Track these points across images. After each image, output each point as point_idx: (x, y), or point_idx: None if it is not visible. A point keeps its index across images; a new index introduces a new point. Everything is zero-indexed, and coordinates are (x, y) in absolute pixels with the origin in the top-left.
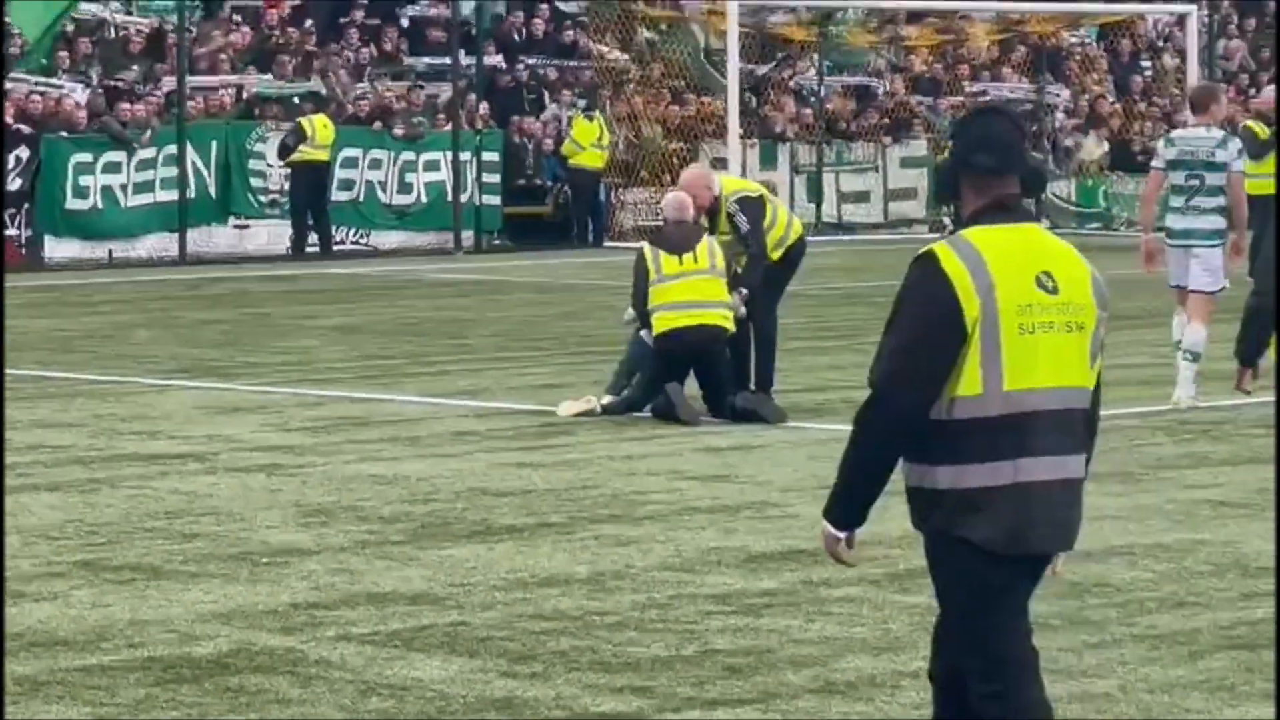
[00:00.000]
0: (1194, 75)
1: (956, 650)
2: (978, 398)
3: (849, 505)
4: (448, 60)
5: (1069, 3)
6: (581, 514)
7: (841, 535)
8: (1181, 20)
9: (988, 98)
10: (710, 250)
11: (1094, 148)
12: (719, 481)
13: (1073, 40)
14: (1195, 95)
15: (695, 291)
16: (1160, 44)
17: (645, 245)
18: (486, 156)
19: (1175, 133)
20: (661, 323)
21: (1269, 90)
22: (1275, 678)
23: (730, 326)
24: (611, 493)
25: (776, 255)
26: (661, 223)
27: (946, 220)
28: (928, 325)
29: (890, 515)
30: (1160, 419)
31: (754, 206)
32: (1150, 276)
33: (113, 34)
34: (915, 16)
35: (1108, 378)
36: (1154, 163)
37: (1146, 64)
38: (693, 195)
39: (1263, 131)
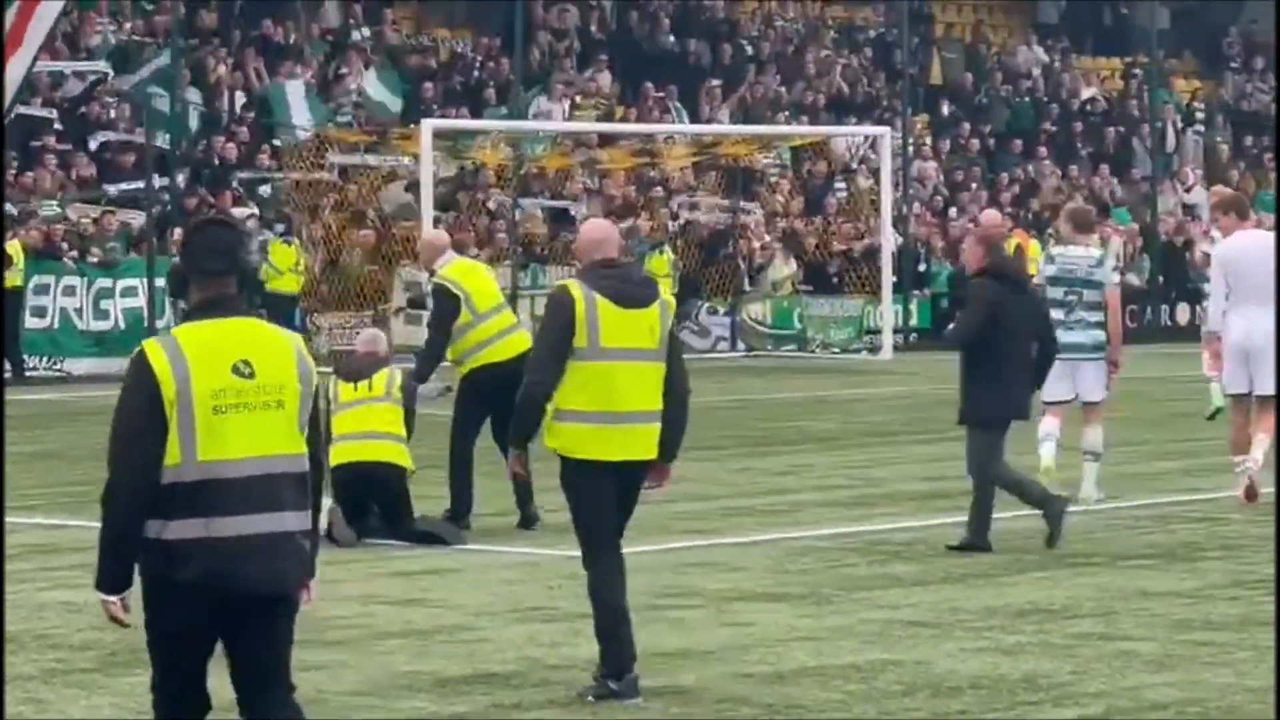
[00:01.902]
0: (888, 197)
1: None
2: (177, 466)
3: (114, 570)
4: (141, 185)
5: (762, 125)
6: None
7: (115, 599)
8: (875, 142)
9: (683, 220)
10: (389, 380)
11: (784, 267)
12: (411, 605)
13: (766, 162)
14: (1079, 215)
15: (368, 421)
16: (855, 166)
17: (330, 374)
18: None
19: (1054, 250)
20: (337, 455)
21: (989, 213)
22: (1275, 678)
23: (401, 460)
24: (300, 617)
25: (477, 362)
26: (352, 350)
27: None
28: (135, 408)
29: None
30: (854, 540)
31: (443, 302)
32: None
33: None
34: (610, 139)
35: (805, 499)
36: (1035, 280)
37: (841, 185)
38: (422, 263)
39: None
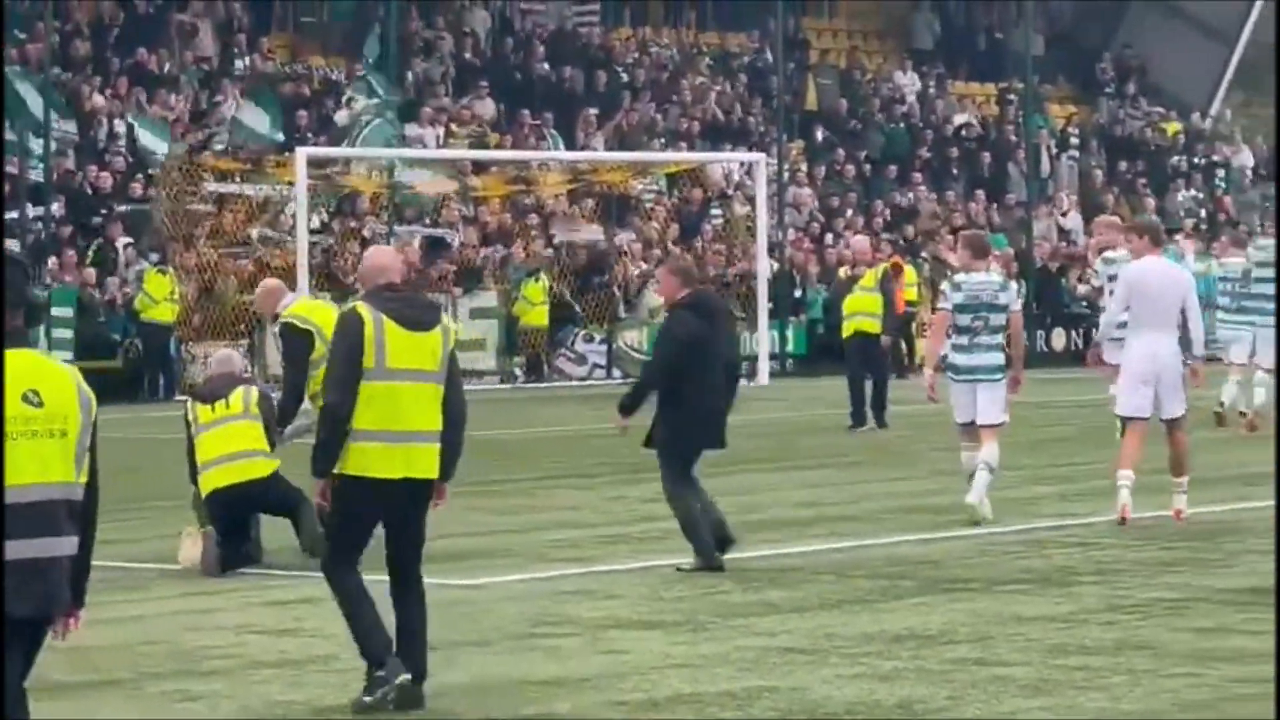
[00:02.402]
0: (763, 223)
1: None
2: None
3: None
4: (15, 215)
5: (637, 152)
6: (147, 670)
7: None
8: (750, 169)
9: (594, 245)
10: (246, 397)
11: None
12: (285, 635)
13: (642, 188)
14: (976, 242)
15: (230, 442)
16: (730, 192)
17: (188, 399)
18: (58, 312)
19: (959, 277)
20: (207, 483)
21: (858, 240)
22: (1275, 680)
23: (270, 470)
24: (177, 647)
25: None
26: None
27: (518, 371)
28: None
29: (458, 665)
30: (729, 566)
31: (294, 340)
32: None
33: None
34: (484, 166)
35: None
36: (941, 304)
37: (717, 212)
38: (264, 312)
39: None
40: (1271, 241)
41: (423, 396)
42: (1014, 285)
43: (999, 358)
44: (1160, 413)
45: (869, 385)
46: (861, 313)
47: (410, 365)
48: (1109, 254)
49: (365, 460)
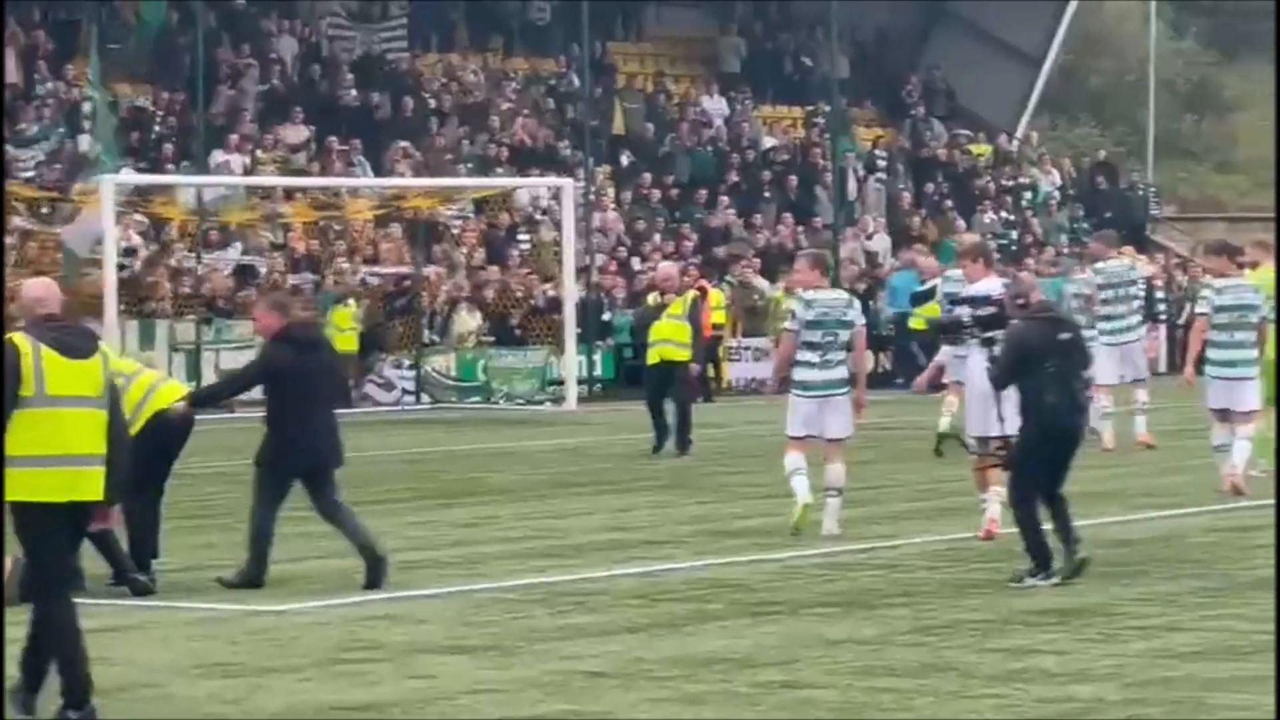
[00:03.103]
0: (570, 248)
1: None
2: None
3: None
4: None
5: (444, 178)
6: None
7: None
8: (558, 193)
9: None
10: None
11: (468, 319)
12: (94, 663)
13: (449, 214)
14: (821, 261)
15: None
16: (538, 217)
17: None
18: None
19: (809, 294)
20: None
21: (664, 267)
22: (1275, 678)
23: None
24: None
25: (142, 419)
26: None
27: None
28: None
29: (265, 690)
30: (538, 591)
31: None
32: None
33: None
34: (292, 193)
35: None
36: (788, 325)
37: (524, 237)
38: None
39: None
40: (1113, 263)
41: (86, 422)
42: (858, 303)
43: (846, 373)
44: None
45: (670, 410)
46: (669, 340)
47: (73, 392)
48: (1099, 265)
49: (35, 485)
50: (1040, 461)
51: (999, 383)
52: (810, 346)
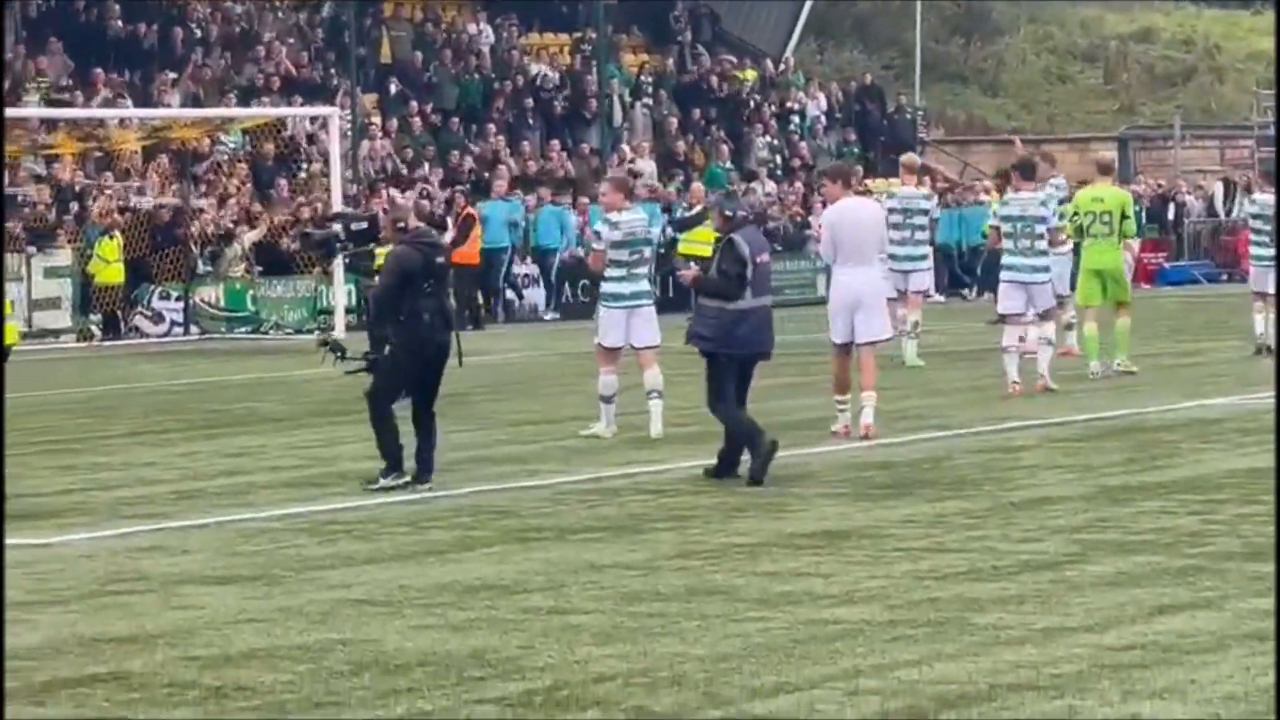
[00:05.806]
0: (338, 177)
1: None
2: None
3: None
4: None
5: (211, 108)
6: None
7: None
8: (324, 122)
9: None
10: None
11: (237, 250)
12: None
13: (218, 146)
14: (624, 184)
15: None
16: (306, 146)
17: None
18: None
19: (614, 216)
20: None
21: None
22: (1275, 677)
23: None
24: None
25: None
26: None
27: (95, 329)
28: None
29: (25, 625)
30: (304, 520)
31: None
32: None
33: None
34: (54, 123)
35: (256, 480)
36: (595, 245)
37: (294, 166)
38: None
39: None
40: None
41: None
42: (655, 227)
43: (649, 286)
44: (856, 337)
45: None
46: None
47: None
48: (1054, 181)
49: None
50: (409, 377)
51: (381, 306)
52: (616, 264)
